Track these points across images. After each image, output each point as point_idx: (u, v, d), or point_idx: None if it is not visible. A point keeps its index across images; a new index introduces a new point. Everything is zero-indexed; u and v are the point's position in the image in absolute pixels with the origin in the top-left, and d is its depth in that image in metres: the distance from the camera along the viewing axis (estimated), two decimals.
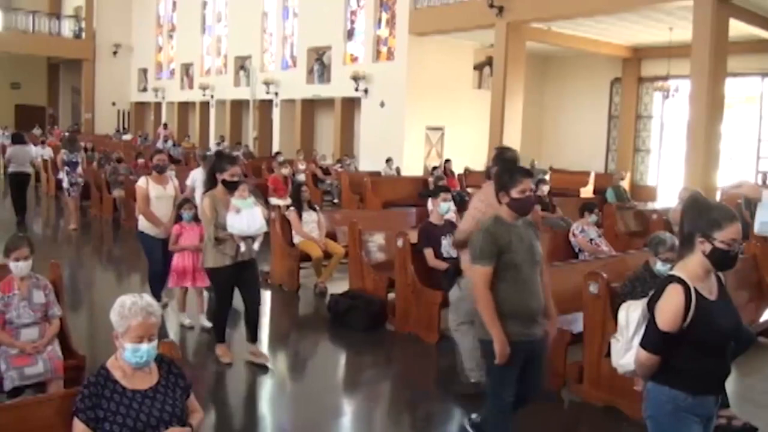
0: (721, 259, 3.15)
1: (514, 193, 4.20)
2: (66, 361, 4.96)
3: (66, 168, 13.94)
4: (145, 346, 3.17)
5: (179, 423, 3.23)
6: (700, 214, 3.20)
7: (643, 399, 3.40)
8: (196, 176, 9.26)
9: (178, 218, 7.64)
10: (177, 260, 7.50)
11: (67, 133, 23.22)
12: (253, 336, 6.56)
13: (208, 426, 5.00)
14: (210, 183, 6.31)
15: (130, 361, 3.18)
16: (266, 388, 6.27)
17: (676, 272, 3.22)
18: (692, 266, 3.19)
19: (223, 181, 6.20)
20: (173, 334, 7.33)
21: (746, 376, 6.51)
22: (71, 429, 3.12)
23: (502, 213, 4.27)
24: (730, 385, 5.64)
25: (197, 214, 7.36)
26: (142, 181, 7.92)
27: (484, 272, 4.12)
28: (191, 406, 3.41)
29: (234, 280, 6.27)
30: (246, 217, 6.04)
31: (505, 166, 6.00)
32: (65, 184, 14.07)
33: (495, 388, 4.29)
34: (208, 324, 7.29)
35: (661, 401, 3.29)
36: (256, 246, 6.30)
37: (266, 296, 9.35)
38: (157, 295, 7.56)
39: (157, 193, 7.82)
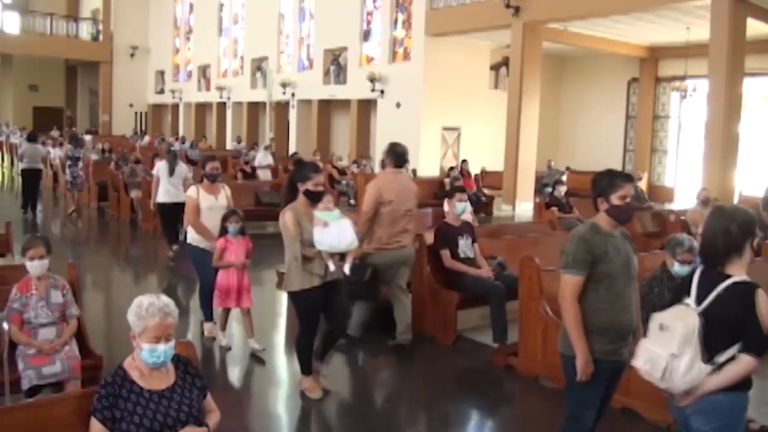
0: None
1: (614, 200, 3.90)
2: (83, 361, 4.99)
3: (68, 162, 15.74)
4: (162, 347, 3.18)
5: (196, 423, 3.24)
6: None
7: (701, 412, 3.34)
8: (160, 167, 11.32)
9: (223, 231, 6.83)
10: (221, 278, 6.77)
11: (73, 130, 23.93)
12: (323, 355, 5.94)
13: (224, 429, 5.01)
14: (290, 194, 5.54)
15: (147, 361, 3.20)
16: (282, 388, 6.28)
17: (739, 278, 3.28)
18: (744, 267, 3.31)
19: (306, 192, 5.46)
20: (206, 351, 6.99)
21: (764, 378, 6.43)
22: (88, 428, 3.13)
23: (600, 221, 3.95)
24: None
25: (244, 227, 6.90)
26: (192, 191, 7.32)
27: (574, 281, 3.84)
28: (208, 406, 3.42)
29: (321, 303, 5.53)
30: (335, 231, 5.36)
31: (396, 154, 7.08)
32: (68, 177, 15.80)
33: (575, 408, 4.03)
34: (259, 347, 6.80)
35: (738, 409, 3.33)
36: (347, 266, 5.62)
37: (282, 297, 9.37)
38: (209, 315, 7.26)
39: (208, 204, 7.24)
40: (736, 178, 15.12)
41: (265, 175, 18.74)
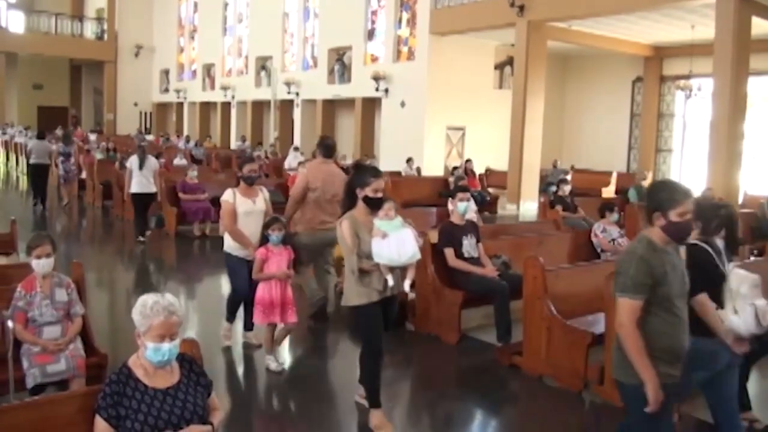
0: None
1: (673, 216, 3.59)
2: (88, 359, 5.00)
3: (61, 158, 16.80)
4: (167, 345, 3.19)
5: (200, 421, 3.24)
6: None
7: None
8: (132, 161, 12.25)
9: (263, 240, 6.30)
10: (263, 291, 6.18)
11: (61, 131, 24.35)
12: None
13: (228, 426, 5.02)
14: (349, 201, 5.11)
15: (152, 359, 3.20)
16: (285, 386, 6.28)
17: None
18: None
19: (365, 198, 5.02)
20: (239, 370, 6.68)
21: (767, 378, 6.45)
22: (93, 427, 3.14)
23: (654, 236, 3.67)
24: (751, 387, 5.60)
25: (287, 234, 6.41)
26: (228, 195, 6.74)
27: (633, 306, 3.57)
28: (212, 404, 3.42)
29: (381, 319, 5.10)
30: (394, 243, 4.87)
31: (325, 146, 7.83)
32: (60, 171, 16.89)
33: None
34: (276, 365, 6.34)
35: None
36: (407, 282, 5.10)
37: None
38: (231, 318, 7.00)
39: (246, 208, 6.70)
40: (740, 178, 15.09)
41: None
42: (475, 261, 7.37)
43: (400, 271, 5.06)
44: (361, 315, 5.05)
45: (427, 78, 21.59)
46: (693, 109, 22.43)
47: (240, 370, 6.65)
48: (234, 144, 30.51)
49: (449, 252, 7.34)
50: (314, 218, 7.68)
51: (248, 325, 6.99)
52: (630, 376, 3.62)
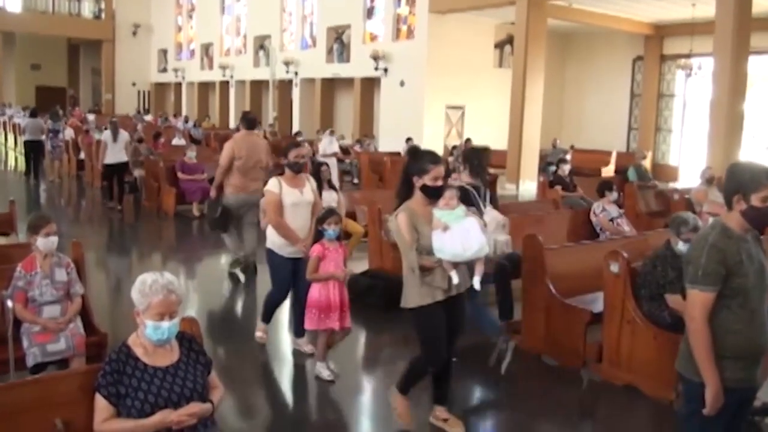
0: None
1: (755, 200, 3.23)
2: (88, 338, 5.01)
3: (50, 134, 17.82)
4: (166, 324, 3.19)
5: (200, 399, 3.26)
6: None
7: None
8: (106, 135, 13.47)
9: (318, 236, 5.64)
10: (319, 294, 5.50)
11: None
12: (443, 396, 4.99)
13: (228, 404, 5.04)
14: (405, 191, 4.61)
15: (152, 338, 3.21)
16: (287, 367, 6.30)
17: None
18: None
19: (424, 188, 4.50)
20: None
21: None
22: (93, 404, 3.15)
23: (731, 222, 3.32)
24: None
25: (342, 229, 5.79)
26: (272, 185, 6.09)
27: (705, 299, 3.24)
28: (212, 382, 3.44)
29: (444, 321, 4.59)
30: (458, 236, 4.37)
31: (248, 120, 8.77)
32: (48, 147, 17.92)
33: None
34: (328, 374, 5.77)
35: None
36: (476, 278, 4.59)
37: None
38: (267, 318, 6.44)
39: (293, 199, 6.03)
40: (740, 157, 15.06)
41: (331, 167, 16.79)
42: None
43: (467, 266, 4.56)
44: (422, 316, 4.54)
45: (427, 57, 21.50)
46: (693, 89, 22.37)
47: (285, 376, 6.14)
48: (233, 123, 30.45)
49: None
50: (240, 183, 8.54)
51: (299, 331, 6.26)
52: (693, 373, 3.34)
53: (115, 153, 13.46)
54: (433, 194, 4.48)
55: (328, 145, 17.20)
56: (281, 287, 6.23)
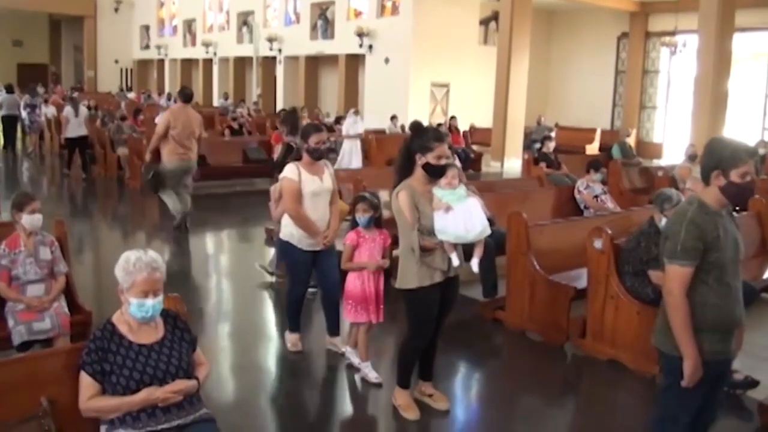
0: None
1: (734, 176, 3.27)
2: (73, 317, 5.00)
3: (27, 109, 18.82)
4: (150, 301, 3.19)
5: (185, 376, 3.26)
6: None
7: None
8: (68, 110, 14.73)
9: (353, 223, 5.39)
10: (354, 284, 5.25)
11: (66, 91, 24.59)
12: (429, 372, 4.97)
13: (214, 381, 5.05)
14: (406, 168, 4.43)
15: (136, 315, 3.21)
16: (273, 343, 6.32)
17: None
18: None
19: (426, 166, 4.34)
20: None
21: (749, 331, 6.53)
22: (78, 382, 3.15)
23: (708, 198, 3.36)
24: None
25: (381, 215, 5.41)
26: (290, 171, 5.51)
27: (683, 274, 3.29)
28: (197, 359, 3.44)
29: (438, 303, 4.54)
30: (461, 216, 4.25)
31: (184, 94, 9.96)
32: (26, 121, 19.07)
33: (672, 409, 3.51)
34: (375, 376, 5.35)
35: None
36: (475, 260, 4.50)
37: (271, 254, 9.38)
38: (295, 326, 5.89)
39: (313, 188, 5.51)
40: (723, 134, 15.14)
41: (354, 149, 15.63)
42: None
43: (461, 247, 4.45)
44: (417, 298, 4.44)
45: (412, 34, 21.41)
46: (678, 66, 22.41)
47: (325, 381, 5.59)
48: (216, 101, 30.25)
49: None
50: (174, 150, 9.57)
51: (334, 329, 5.86)
52: (670, 347, 3.40)
53: (76, 127, 14.71)
54: (436, 173, 4.34)
55: (351, 126, 16.06)
56: (301, 282, 5.72)
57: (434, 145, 4.32)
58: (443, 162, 4.33)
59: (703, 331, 3.33)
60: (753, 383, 5.26)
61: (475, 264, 4.50)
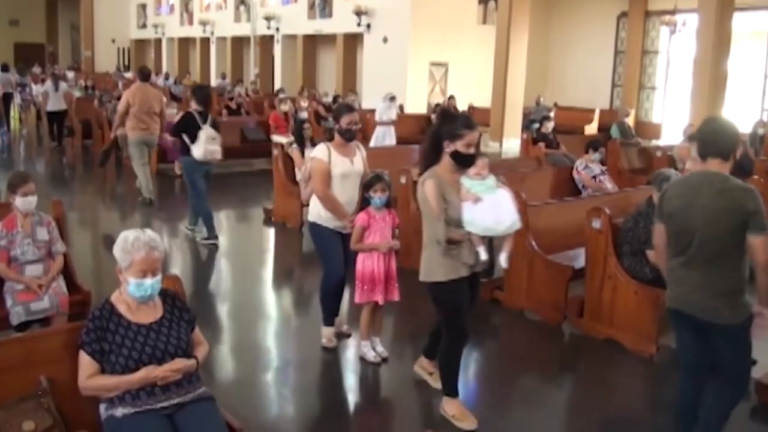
0: None
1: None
2: (71, 297, 5.01)
3: (18, 88, 19.54)
4: (149, 281, 3.20)
5: (184, 355, 3.27)
6: None
7: None
8: (48, 86, 15.83)
9: (364, 203, 5.23)
10: (364, 265, 5.15)
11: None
12: (434, 350, 4.78)
13: (214, 360, 5.07)
14: (433, 155, 4.23)
15: (135, 295, 3.21)
16: (272, 322, 6.34)
17: None
18: None
19: (455, 154, 4.15)
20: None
21: None
22: (77, 362, 3.16)
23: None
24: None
25: (390, 196, 5.27)
26: (321, 151, 5.38)
27: None
28: (196, 338, 3.45)
29: (467, 298, 4.37)
30: (491, 208, 4.06)
31: (142, 73, 10.98)
32: (18, 100, 19.80)
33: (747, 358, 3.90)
34: (381, 350, 5.38)
35: None
36: (504, 255, 4.33)
37: (270, 234, 9.42)
38: (329, 319, 5.63)
39: (343, 170, 5.37)
40: (723, 114, 15.10)
41: (388, 135, 15.01)
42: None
43: (488, 240, 4.24)
44: (446, 292, 4.26)
45: (410, 13, 21.28)
46: (677, 46, 22.30)
47: (325, 361, 5.52)
48: (214, 81, 30.13)
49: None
50: (135, 126, 10.31)
51: (335, 313, 5.76)
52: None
53: (56, 102, 15.74)
54: (465, 162, 4.14)
55: (385, 112, 15.28)
56: (336, 264, 5.43)
57: (464, 132, 4.10)
58: (473, 150, 4.13)
59: None
60: (751, 362, 5.27)
61: (503, 259, 4.31)
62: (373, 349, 5.33)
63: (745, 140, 13.22)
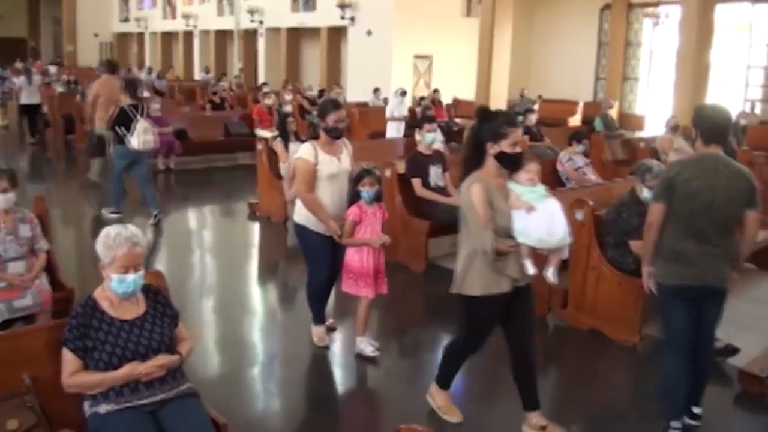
0: None
1: None
2: (54, 294, 4.97)
3: None
4: (131, 276, 3.18)
5: (168, 351, 3.26)
6: None
7: None
8: (21, 80, 16.00)
9: (354, 197, 5.08)
10: (352, 258, 5.08)
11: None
12: (534, 401, 4.23)
13: (198, 356, 5.06)
14: (475, 159, 3.94)
15: (117, 291, 3.20)
16: (257, 317, 6.33)
17: None
18: None
19: (500, 156, 3.85)
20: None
21: (729, 298, 6.62)
22: (61, 359, 3.14)
23: None
24: None
25: (380, 190, 5.17)
26: (306, 151, 5.13)
27: None
28: (180, 334, 3.44)
29: (501, 315, 4.05)
30: (544, 219, 3.81)
31: (110, 65, 11.40)
32: None
33: None
34: (372, 349, 5.31)
35: None
36: (551, 269, 4.04)
37: (254, 228, 9.40)
38: (319, 318, 5.53)
39: (331, 170, 5.14)
40: (716, 102, 15.18)
41: (398, 130, 14.58)
42: (442, 190, 7.41)
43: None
44: (481, 308, 3.98)
45: (394, 6, 21.25)
46: (660, 38, 22.40)
47: (313, 356, 5.45)
48: (197, 75, 30.00)
49: (416, 182, 7.37)
50: (102, 117, 10.49)
51: (322, 317, 5.63)
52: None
53: (29, 95, 15.84)
54: (512, 163, 3.86)
55: (396, 107, 14.95)
56: (319, 268, 5.33)
57: (508, 130, 3.81)
58: (519, 150, 3.85)
59: None
60: (733, 350, 5.34)
61: (550, 273, 4.04)
62: (370, 343, 5.28)
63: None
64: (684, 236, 3.99)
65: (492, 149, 3.83)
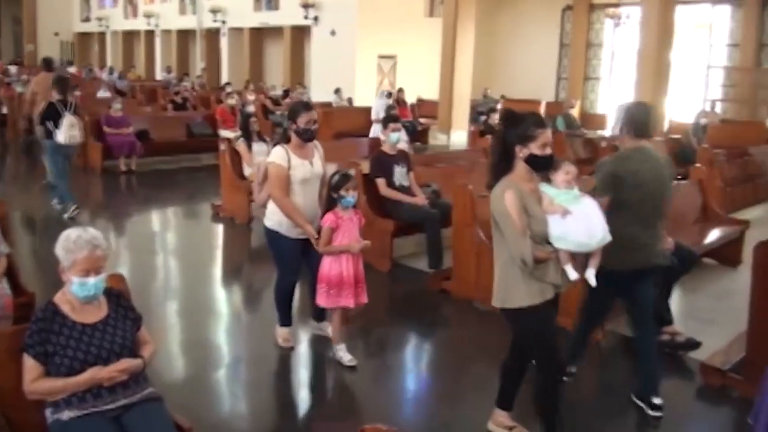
0: None
1: None
2: (16, 299, 4.88)
3: None
4: (92, 280, 3.14)
5: (130, 355, 3.23)
6: None
7: None
8: None
9: (330, 202, 4.95)
10: (331, 267, 4.89)
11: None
12: (512, 401, 4.23)
13: (162, 359, 5.01)
14: (504, 163, 3.73)
15: (78, 294, 3.15)
16: (222, 319, 6.29)
17: None
18: None
19: (531, 158, 3.65)
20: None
21: (690, 293, 6.77)
22: (22, 365, 3.09)
23: None
24: (674, 303, 5.92)
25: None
26: (278, 155, 5.04)
27: None
28: (143, 338, 3.41)
29: (553, 324, 3.87)
30: (582, 222, 3.67)
31: (47, 62, 11.82)
32: None
33: None
34: (349, 359, 5.17)
35: None
36: (591, 271, 3.91)
37: (218, 230, 9.35)
38: (285, 319, 5.45)
39: (303, 174, 5.06)
40: (666, 106, 15.41)
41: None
42: (407, 190, 7.44)
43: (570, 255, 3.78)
44: (531, 320, 3.73)
45: (358, 5, 21.23)
46: (621, 38, 22.67)
47: (281, 359, 5.43)
48: (159, 75, 29.71)
49: (381, 182, 7.38)
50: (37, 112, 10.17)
51: (320, 314, 5.57)
52: None
53: None
54: (544, 165, 3.69)
55: (382, 108, 14.41)
56: (289, 273, 5.27)
57: (536, 132, 3.61)
58: (549, 151, 3.64)
59: None
60: (695, 345, 5.44)
61: (591, 275, 3.91)
62: (348, 352, 5.18)
63: (688, 130, 13.54)
64: (631, 223, 4.31)
65: (521, 153, 3.65)
